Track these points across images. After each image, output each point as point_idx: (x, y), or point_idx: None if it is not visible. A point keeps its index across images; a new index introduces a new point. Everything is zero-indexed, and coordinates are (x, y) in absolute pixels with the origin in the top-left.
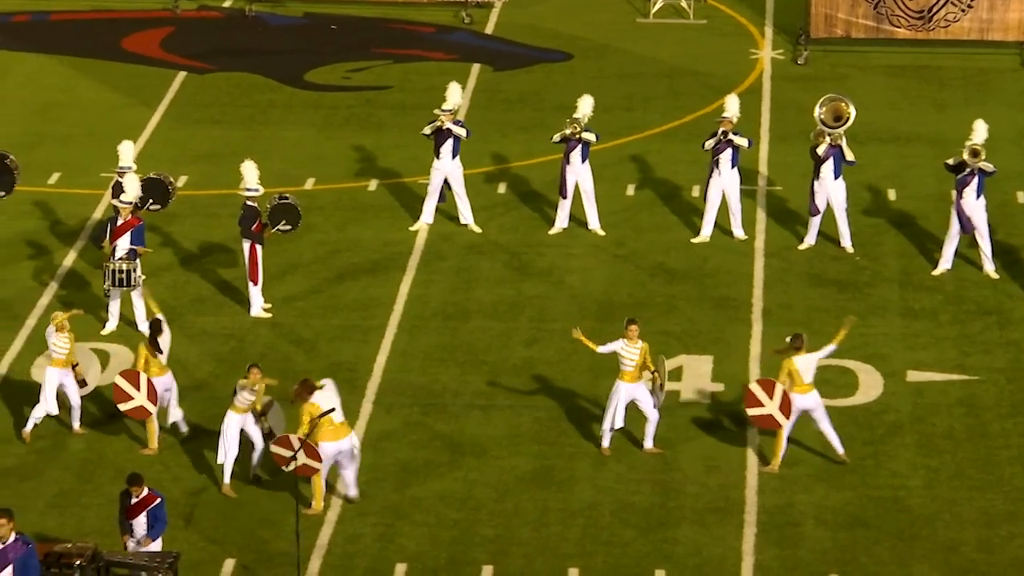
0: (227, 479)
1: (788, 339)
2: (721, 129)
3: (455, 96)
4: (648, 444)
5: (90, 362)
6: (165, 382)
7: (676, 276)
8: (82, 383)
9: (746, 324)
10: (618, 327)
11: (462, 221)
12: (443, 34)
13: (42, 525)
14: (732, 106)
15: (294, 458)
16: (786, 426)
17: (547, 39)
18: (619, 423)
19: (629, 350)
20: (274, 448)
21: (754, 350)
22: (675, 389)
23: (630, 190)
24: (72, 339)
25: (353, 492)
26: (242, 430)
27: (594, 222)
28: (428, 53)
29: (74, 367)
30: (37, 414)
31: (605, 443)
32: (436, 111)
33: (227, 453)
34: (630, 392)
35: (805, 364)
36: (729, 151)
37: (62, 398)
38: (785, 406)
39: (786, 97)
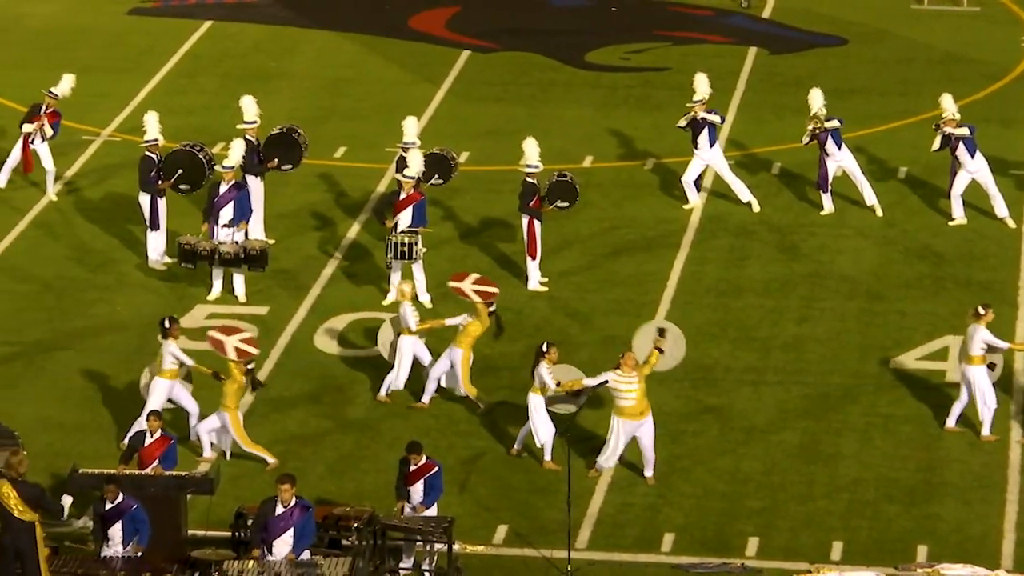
0: (548, 455)
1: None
2: (943, 130)
3: (703, 86)
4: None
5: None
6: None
7: (944, 258)
8: None
9: (1012, 306)
10: (887, 307)
11: (743, 200)
12: (721, 17)
13: (321, 489)
14: (948, 104)
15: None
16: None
17: (823, 24)
18: None
19: None
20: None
21: (1019, 332)
22: (941, 369)
23: (901, 173)
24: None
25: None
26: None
27: (871, 198)
28: (706, 36)
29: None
30: (389, 379)
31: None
32: (688, 104)
33: (546, 432)
34: None
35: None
36: (961, 145)
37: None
38: None
39: None
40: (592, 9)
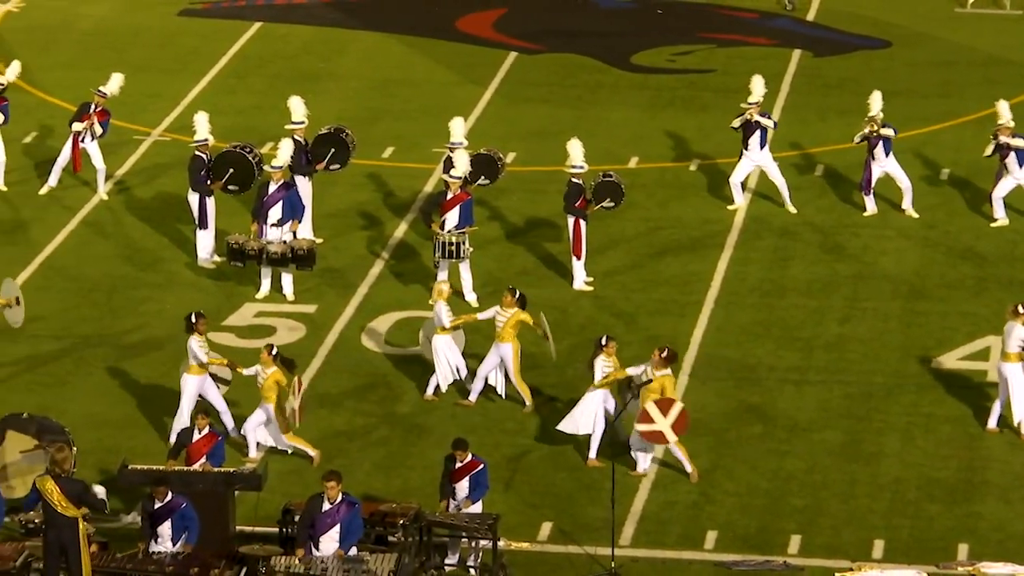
0: (593, 454)
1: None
2: (998, 139)
3: (759, 89)
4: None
5: None
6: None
7: (986, 259)
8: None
9: None
10: (929, 307)
11: (785, 201)
12: (766, 20)
13: (368, 485)
14: (1005, 111)
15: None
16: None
17: (866, 26)
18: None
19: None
20: (640, 427)
21: None
22: (982, 369)
23: (944, 175)
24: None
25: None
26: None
27: (908, 202)
28: (751, 38)
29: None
30: (434, 379)
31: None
32: (743, 105)
33: (593, 427)
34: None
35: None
36: (1013, 155)
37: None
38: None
39: None
40: (637, 11)
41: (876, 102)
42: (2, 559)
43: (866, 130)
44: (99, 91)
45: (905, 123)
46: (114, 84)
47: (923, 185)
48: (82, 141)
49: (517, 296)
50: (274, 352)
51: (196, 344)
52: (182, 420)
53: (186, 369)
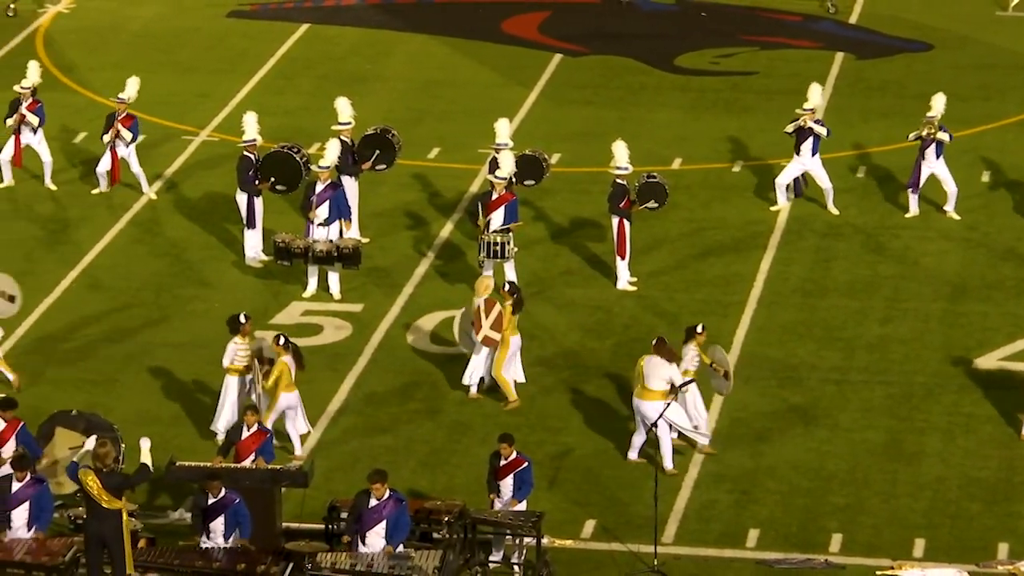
0: (704, 440)
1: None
2: None
3: (816, 96)
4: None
5: None
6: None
7: None
8: None
9: None
10: (970, 308)
11: (828, 205)
12: (809, 23)
13: (413, 482)
14: None
15: None
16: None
17: (909, 30)
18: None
19: None
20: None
21: None
22: (1022, 370)
23: (985, 176)
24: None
25: (667, 464)
26: None
27: (951, 206)
28: (794, 41)
29: None
30: (477, 376)
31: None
32: (798, 111)
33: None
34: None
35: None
36: None
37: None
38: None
39: None
40: (681, 14)
41: (938, 104)
42: (51, 554)
43: (924, 132)
44: (118, 98)
45: (947, 125)
46: (131, 89)
47: (964, 187)
48: (117, 151)
49: (508, 288)
50: (282, 342)
51: (233, 347)
52: (223, 419)
53: (227, 369)
